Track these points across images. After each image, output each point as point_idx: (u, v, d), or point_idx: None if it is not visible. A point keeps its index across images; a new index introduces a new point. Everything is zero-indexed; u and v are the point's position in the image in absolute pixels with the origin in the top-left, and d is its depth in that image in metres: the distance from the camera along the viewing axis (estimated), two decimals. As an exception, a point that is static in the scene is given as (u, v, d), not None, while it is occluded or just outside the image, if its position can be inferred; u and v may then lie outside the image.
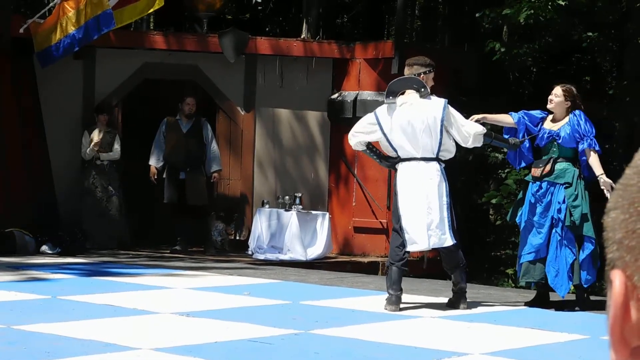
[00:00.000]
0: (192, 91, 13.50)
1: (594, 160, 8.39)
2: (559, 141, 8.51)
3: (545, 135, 8.57)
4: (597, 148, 8.42)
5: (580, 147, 8.45)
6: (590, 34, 13.82)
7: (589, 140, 8.41)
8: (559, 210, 8.38)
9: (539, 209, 8.49)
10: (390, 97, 8.37)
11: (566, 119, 8.55)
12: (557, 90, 8.60)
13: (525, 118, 8.67)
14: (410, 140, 8.27)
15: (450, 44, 16.55)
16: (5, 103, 13.18)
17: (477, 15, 14.10)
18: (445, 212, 8.21)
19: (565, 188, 8.43)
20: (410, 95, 8.33)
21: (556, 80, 9.06)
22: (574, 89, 8.64)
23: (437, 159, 8.30)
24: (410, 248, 8.30)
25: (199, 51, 13.89)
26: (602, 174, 8.31)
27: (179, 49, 13.87)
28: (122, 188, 13.47)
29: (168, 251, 13.11)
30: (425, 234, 8.18)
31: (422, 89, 8.32)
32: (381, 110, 8.45)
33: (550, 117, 8.69)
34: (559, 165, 8.53)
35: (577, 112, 8.52)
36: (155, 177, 13.16)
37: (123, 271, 10.68)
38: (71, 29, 12.41)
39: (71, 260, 11.79)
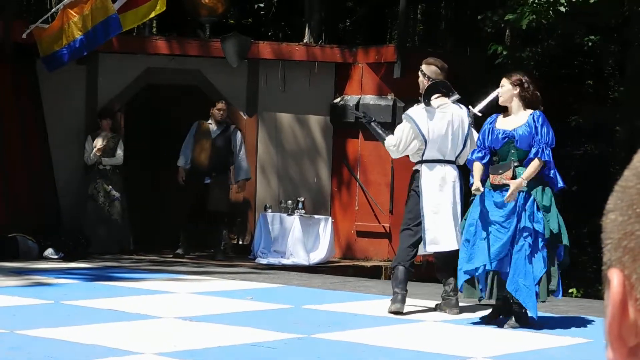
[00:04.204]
0: (221, 96, 13.51)
1: (531, 166, 7.59)
2: (516, 144, 7.70)
3: (500, 137, 7.75)
4: (544, 158, 7.60)
5: (530, 154, 7.68)
6: (592, 37, 13.82)
7: (536, 148, 7.63)
8: (534, 220, 7.55)
9: (498, 216, 7.67)
10: (427, 100, 8.42)
11: (523, 119, 7.78)
12: (503, 81, 7.96)
13: (484, 146, 7.87)
14: (442, 142, 8.37)
15: (453, 48, 16.55)
16: (6, 108, 13.18)
17: (479, 17, 14.09)
18: (459, 216, 8.33)
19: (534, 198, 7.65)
20: (443, 98, 8.42)
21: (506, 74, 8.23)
22: (522, 77, 7.91)
23: (455, 163, 8.42)
24: (429, 248, 8.34)
25: (201, 56, 13.89)
26: (523, 178, 7.57)
27: (181, 54, 13.88)
28: (125, 193, 13.47)
29: (171, 256, 13.10)
30: (454, 235, 8.23)
31: (450, 94, 8.44)
32: (416, 113, 8.43)
33: (501, 116, 7.94)
34: (520, 170, 7.68)
35: (536, 113, 7.75)
36: (184, 178, 13.17)
37: (126, 276, 10.68)
38: (77, 34, 12.43)
39: (74, 265, 11.79)
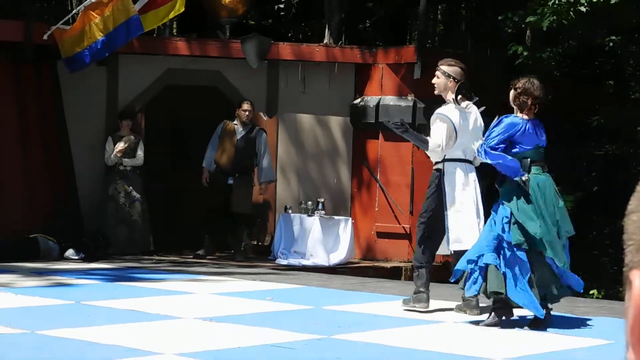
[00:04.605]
0: (241, 97, 13.51)
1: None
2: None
3: None
4: (482, 158, 7.75)
5: None
6: (613, 37, 13.76)
7: (478, 149, 7.76)
8: (503, 229, 7.62)
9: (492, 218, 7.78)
10: (456, 100, 8.43)
11: None
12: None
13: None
14: (468, 142, 8.38)
15: (473, 49, 16.52)
16: (28, 110, 13.25)
17: (499, 18, 14.05)
18: (482, 214, 8.34)
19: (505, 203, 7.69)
20: (465, 100, 8.45)
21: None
22: (517, 81, 7.87)
23: (472, 163, 8.45)
24: (453, 247, 8.35)
25: (221, 57, 13.92)
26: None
27: (201, 55, 13.90)
28: (145, 194, 13.49)
29: (191, 256, 13.13)
30: (477, 234, 8.23)
31: (469, 95, 8.46)
32: (450, 112, 8.43)
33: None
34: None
35: (505, 117, 7.81)
36: (208, 180, 13.18)
37: (146, 276, 10.71)
38: (99, 35, 12.48)
39: (95, 265, 11.83)
